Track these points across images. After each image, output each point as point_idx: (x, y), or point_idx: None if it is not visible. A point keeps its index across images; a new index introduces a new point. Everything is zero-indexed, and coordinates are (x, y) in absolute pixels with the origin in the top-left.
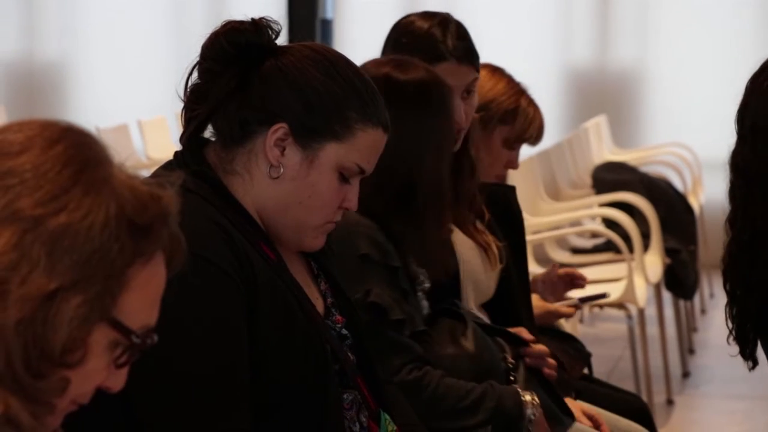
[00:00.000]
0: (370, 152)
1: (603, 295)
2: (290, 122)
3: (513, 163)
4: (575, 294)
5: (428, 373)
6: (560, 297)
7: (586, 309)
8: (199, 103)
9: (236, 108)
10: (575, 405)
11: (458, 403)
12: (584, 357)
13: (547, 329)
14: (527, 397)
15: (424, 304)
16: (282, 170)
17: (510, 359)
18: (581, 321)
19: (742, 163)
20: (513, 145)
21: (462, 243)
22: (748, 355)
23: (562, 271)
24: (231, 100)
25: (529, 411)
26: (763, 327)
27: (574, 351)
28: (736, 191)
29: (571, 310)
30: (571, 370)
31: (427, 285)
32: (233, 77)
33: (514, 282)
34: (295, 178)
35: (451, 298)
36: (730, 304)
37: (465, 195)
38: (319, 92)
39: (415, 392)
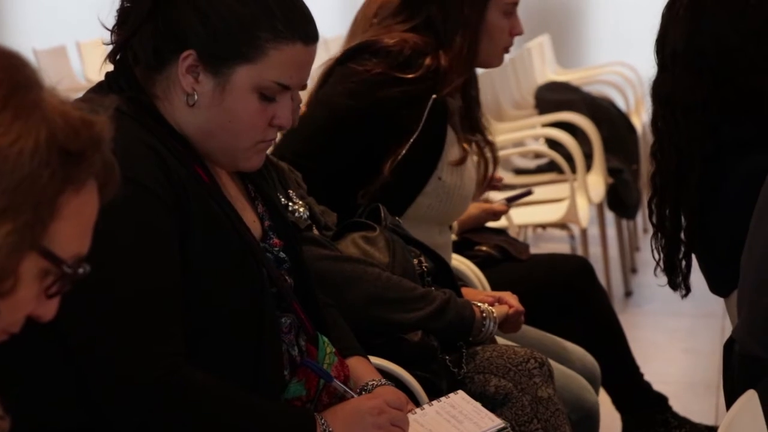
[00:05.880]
0: (290, 68)
1: (528, 193)
2: (197, 49)
3: (518, 28)
4: (499, 196)
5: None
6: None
7: (529, 230)
8: (122, 27)
9: (150, 34)
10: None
11: (408, 293)
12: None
13: (483, 229)
14: (485, 306)
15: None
16: (197, 98)
17: (425, 263)
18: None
19: (664, 92)
20: (511, 9)
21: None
22: (677, 284)
23: None
24: (146, 25)
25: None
26: (701, 247)
27: (513, 240)
28: (659, 121)
29: (503, 207)
30: (519, 254)
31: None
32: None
33: None
34: (210, 106)
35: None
36: (658, 235)
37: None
38: (223, 16)
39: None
